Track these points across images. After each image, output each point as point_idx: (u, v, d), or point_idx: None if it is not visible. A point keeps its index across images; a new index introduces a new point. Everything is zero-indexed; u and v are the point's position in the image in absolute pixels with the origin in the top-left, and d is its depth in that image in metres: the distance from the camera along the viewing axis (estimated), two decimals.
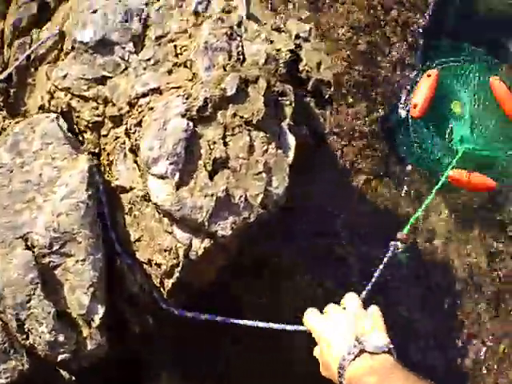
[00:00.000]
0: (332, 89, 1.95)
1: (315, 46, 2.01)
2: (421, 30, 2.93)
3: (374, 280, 1.69)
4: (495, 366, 2.70)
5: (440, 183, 2.52)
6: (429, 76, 2.81)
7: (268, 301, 2.22)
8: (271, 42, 1.97)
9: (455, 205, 2.85)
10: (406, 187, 2.78)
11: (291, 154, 1.71)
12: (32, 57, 1.94)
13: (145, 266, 1.69)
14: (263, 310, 2.18)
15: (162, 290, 1.68)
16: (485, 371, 2.69)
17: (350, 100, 2.66)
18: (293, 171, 1.75)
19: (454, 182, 2.73)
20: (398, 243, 1.82)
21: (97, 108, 1.81)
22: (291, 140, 1.72)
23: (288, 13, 2.62)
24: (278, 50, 1.94)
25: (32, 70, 1.96)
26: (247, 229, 1.63)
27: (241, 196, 1.62)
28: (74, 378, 1.66)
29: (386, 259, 1.74)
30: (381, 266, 1.72)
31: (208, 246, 1.61)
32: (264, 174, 1.64)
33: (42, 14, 1.99)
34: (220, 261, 1.67)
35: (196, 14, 1.85)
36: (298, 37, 2.00)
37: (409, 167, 2.85)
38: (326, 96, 1.96)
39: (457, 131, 2.82)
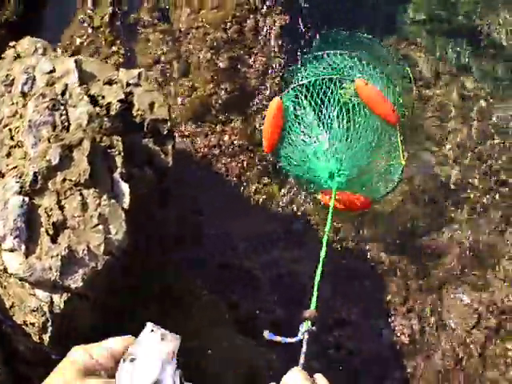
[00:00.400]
0: (169, 124, 2.16)
1: (147, 88, 2.22)
2: (282, 32, 3.11)
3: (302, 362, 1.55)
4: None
5: (327, 228, 2.19)
6: (272, 105, 2.67)
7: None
8: (103, 97, 2.19)
9: None
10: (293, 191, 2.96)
11: (127, 199, 1.93)
12: None
13: (23, 326, 1.93)
14: None
15: (43, 344, 1.92)
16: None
17: (223, 118, 2.85)
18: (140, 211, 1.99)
19: (326, 204, 2.60)
20: (309, 323, 1.68)
21: None
22: (125, 187, 1.94)
23: (142, 51, 2.82)
24: (109, 104, 2.16)
25: None
26: (98, 276, 1.86)
27: (84, 249, 1.84)
28: None
29: (305, 345, 1.61)
30: (303, 350, 1.58)
31: (66, 299, 1.85)
32: (101, 226, 1.86)
33: None
34: (85, 308, 1.90)
35: (23, 94, 2.07)
36: (128, 84, 2.21)
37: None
38: (165, 132, 2.17)
39: (323, 168, 2.54)
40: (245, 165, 2.81)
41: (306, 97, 2.64)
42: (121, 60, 2.70)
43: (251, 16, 3.06)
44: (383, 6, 3.39)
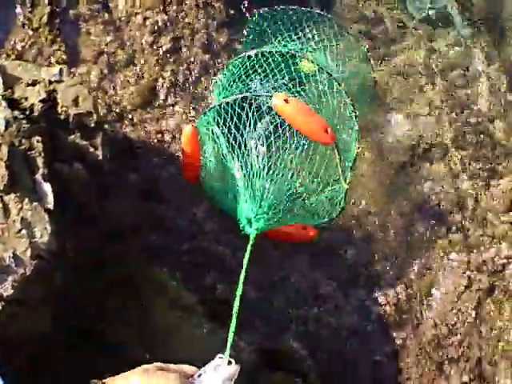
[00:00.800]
0: (95, 116, 2.09)
1: (70, 83, 2.16)
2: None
3: None
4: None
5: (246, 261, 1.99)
6: (185, 134, 2.39)
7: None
8: (26, 99, 2.15)
9: None
10: None
11: (50, 199, 1.88)
12: None
13: None
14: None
15: None
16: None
17: (171, 101, 2.76)
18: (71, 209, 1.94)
19: (270, 236, 2.37)
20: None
21: None
22: (47, 187, 1.89)
23: (85, 44, 2.74)
24: (32, 105, 2.12)
25: None
26: (30, 281, 1.83)
27: (10, 256, 1.81)
28: None
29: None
30: None
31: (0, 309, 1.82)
32: (24, 231, 1.82)
33: None
34: (23, 314, 1.87)
35: None
36: (51, 82, 2.16)
37: None
38: (92, 125, 2.11)
39: (240, 211, 2.24)
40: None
41: (217, 122, 2.28)
42: (63, 57, 2.65)
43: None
44: None
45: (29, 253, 1.81)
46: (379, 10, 3.19)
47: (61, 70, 2.17)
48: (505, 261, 2.76)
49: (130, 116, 2.69)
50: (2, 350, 1.87)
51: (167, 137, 2.68)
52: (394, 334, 2.62)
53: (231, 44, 2.88)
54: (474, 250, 2.77)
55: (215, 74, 2.78)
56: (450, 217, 2.85)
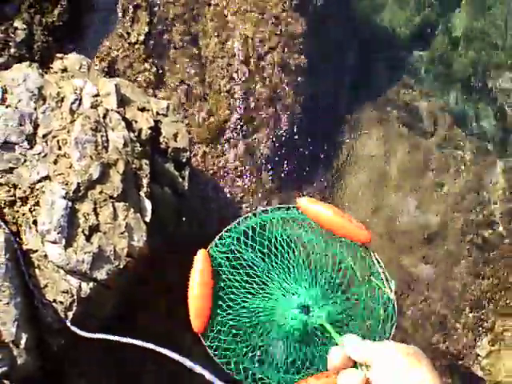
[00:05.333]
0: (188, 154, 2.79)
1: (172, 119, 2.84)
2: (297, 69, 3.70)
3: None
4: None
5: None
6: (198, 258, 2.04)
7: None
8: (136, 122, 2.82)
9: None
10: None
11: (149, 214, 2.58)
12: None
13: (53, 303, 2.59)
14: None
15: (67, 319, 2.58)
16: None
17: (233, 143, 3.47)
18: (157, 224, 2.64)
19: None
20: None
21: (9, 191, 2.67)
22: (148, 204, 2.59)
23: (170, 71, 3.42)
24: (141, 129, 2.79)
25: None
26: (119, 272, 2.52)
27: (111, 250, 2.50)
28: None
29: None
30: None
31: (92, 287, 2.50)
32: (126, 233, 2.51)
33: None
34: (108, 298, 2.56)
35: (71, 111, 2.69)
36: (158, 113, 2.83)
37: None
38: (184, 160, 2.80)
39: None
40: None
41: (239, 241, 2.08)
42: (151, 77, 3.29)
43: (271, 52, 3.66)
44: None
45: (125, 251, 2.50)
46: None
47: (168, 105, 2.83)
48: None
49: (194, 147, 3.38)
50: (86, 319, 2.57)
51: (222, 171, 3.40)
52: None
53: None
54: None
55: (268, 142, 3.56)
56: None
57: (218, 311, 2.03)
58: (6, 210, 2.68)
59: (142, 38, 3.37)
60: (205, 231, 3.25)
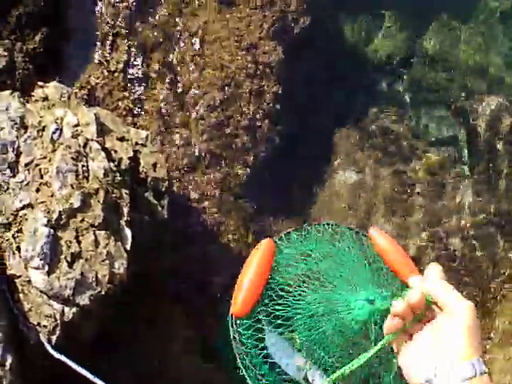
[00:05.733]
0: (167, 183, 2.92)
1: (151, 149, 2.97)
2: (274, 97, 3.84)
3: None
4: None
5: None
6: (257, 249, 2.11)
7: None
8: (115, 151, 2.94)
9: None
10: None
11: (129, 242, 2.70)
12: None
13: (37, 327, 2.69)
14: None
15: (50, 343, 2.69)
16: None
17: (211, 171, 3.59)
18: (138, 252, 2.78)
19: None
20: None
21: None
22: (128, 232, 2.71)
23: (149, 99, 3.55)
24: (121, 158, 2.92)
25: None
26: (101, 298, 2.64)
27: (93, 277, 2.62)
28: None
29: None
30: None
31: (75, 312, 2.62)
32: (107, 261, 2.63)
33: None
34: (90, 322, 2.68)
35: (52, 141, 2.81)
36: (137, 143, 2.97)
37: None
38: (163, 189, 2.94)
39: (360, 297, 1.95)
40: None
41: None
42: (130, 105, 3.43)
43: (248, 80, 3.80)
44: None
45: (107, 278, 2.62)
46: None
47: (147, 135, 2.96)
48: None
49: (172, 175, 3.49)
50: (70, 342, 2.68)
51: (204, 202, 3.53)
52: None
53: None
54: None
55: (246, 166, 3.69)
56: None
57: (266, 301, 2.04)
58: None
59: (121, 66, 3.50)
60: (186, 256, 3.39)
